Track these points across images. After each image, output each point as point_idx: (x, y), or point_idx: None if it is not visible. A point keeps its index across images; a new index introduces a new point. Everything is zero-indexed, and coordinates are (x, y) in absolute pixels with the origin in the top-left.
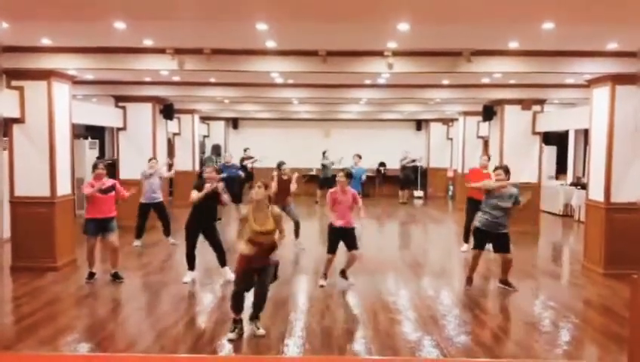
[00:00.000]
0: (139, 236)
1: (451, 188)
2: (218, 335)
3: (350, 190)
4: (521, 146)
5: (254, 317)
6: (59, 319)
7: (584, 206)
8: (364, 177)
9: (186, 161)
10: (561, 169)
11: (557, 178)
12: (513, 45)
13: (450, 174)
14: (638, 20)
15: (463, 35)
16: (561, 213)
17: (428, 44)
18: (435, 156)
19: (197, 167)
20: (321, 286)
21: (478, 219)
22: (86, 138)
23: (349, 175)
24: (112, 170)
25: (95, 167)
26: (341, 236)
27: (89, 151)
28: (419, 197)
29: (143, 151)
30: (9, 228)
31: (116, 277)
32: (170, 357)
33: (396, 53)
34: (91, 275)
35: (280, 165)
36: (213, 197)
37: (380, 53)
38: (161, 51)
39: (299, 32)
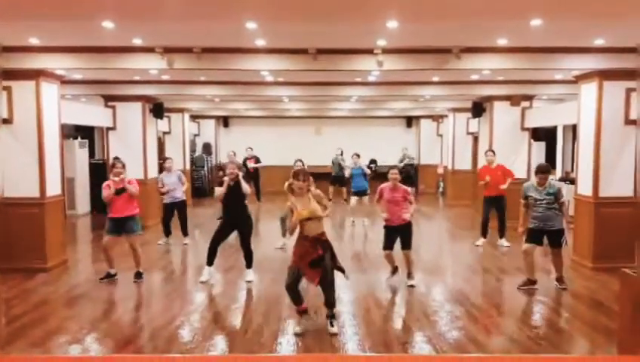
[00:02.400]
0: (166, 234)
1: (442, 184)
2: (211, 334)
3: (401, 186)
4: (510, 142)
5: (330, 316)
6: (50, 320)
7: (573, 200)
8: (368, 171)
9: (176, 160)
10: (550, 164)
11: None
12: (502, 42)
13: (440, 170)
14: (624, 17)
15: (451, 32)
16: None
17: (417, 41)
18: (426, 153)
19: (188, 166)
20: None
21: (529, 220)
22: (75, 138)
23: (401, 172)
24: (103, 169)
25: (113, 166)
26: (397, 232)
27: (79, 151)
28: None
29: (134, 151)
30: None
31: (136, 277)
32: (163, 357)
33: (386, 51)
34: (108, 275)
35: (295, 162)
36: (238, 193)
37: (369, 51)
38: (150, 50)
39: (288, 31)
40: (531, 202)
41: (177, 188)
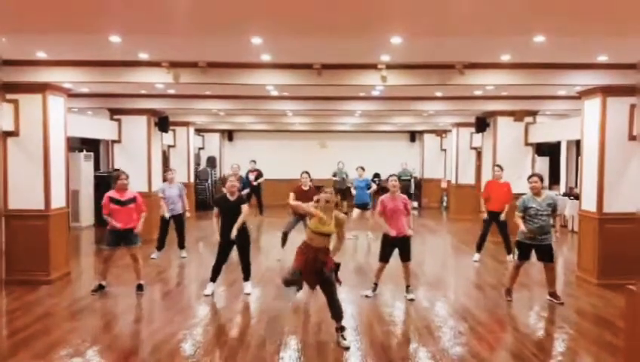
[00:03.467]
0: (159, 248)
1: (445, 198)
2: (214, 347)
3: (400, 196)
4: (513, 157)
5: (338, 329)
6: (52, 333)
7: (577, 216)
8: (374, 186)
9: (181, 174)
10: (553, 179)
11: (550, 188)
12: (505, 58)
13: (443, 185)
14: (627, 33)
15: (455, 48)
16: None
17: (421, 57)
18: (429, 167)
19: (192, 179)
20: (366, 296)
21: (520, 232)
22: (81, 151)
23: (400, 180)
24: (108, 182)
25: (117, 178)
26: (396, 245)
27: (84, 164)
28: (413, 208)
29: (138, 164)
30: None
31: (138, 289)
32: None
33: (390, 66)
34: (100, 287)
35: (302, 174)
36: (237, 211)
37: (373, 66)
38: (156, 64)
39: (293, 46)
40: (532, 213)
41: (177, 201)
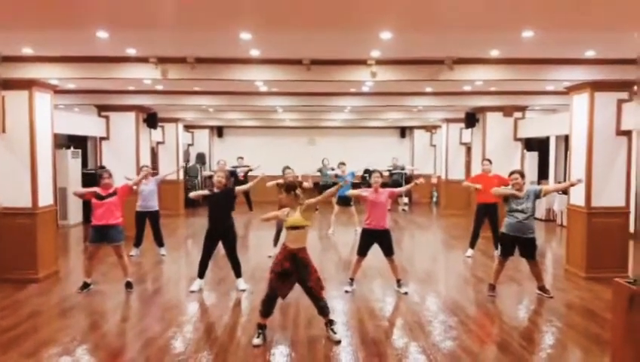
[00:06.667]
0: (137, 244)
1: (435, 194)
2: (204, 345)
3: (385, 190)
4: (503, 152)
5: (327, 324)
6: (41, 331)
7: (566, 211)
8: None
9: (170, 170)
10: (542, 174)
11: (539, 183)
12: (494, 53)
13: (434, 180)
14: (615, 29)
15: (444, 43)
16: (543, 218)
17: (410, 52)
18: (419, 163)
19: (181, 176)
20: (346, 291)
21: (504, 225)
22: (68, 148)
23: (386, 184)
24: (96, 179)
25: (100, 177)
26: (375, 238)
27: (71, 161)
28: (405, 204)
29: (127, 161)
30: None
31: (127, 286)
32: None
33: (379, 62)
34: (85, 285)
35: (284, 170)
36: (224, 203)
37: (363, 62)
38: (144, 60)
39: (283, 41)
40: (513, 207)
41: (153, 197)
